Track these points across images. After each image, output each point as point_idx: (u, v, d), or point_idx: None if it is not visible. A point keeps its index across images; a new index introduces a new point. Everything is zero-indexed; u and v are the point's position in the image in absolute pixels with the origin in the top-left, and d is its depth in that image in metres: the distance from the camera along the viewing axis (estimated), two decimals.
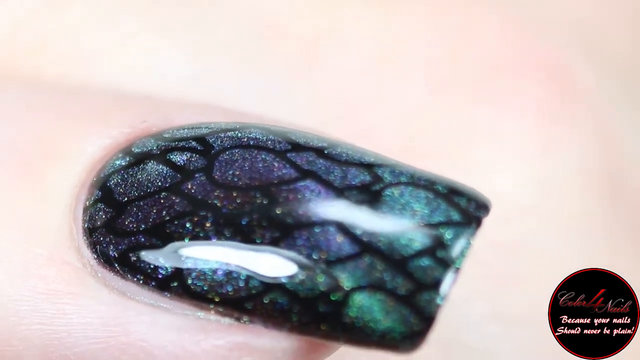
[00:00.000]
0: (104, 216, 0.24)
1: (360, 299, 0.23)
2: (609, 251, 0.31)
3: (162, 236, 0.23)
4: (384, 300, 0.23)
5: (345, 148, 0.24)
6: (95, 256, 0.24)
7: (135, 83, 0.28)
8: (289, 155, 0.24)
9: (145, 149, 0.25)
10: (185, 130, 0.25)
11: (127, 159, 0.24)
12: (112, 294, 0.24)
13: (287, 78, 0.29)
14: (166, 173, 0.24)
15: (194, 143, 0.24)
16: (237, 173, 0.24)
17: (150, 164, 0.24)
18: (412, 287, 0.23)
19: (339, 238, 0.23)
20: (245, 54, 0.29)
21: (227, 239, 0.23)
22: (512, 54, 0.31)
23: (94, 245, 0.24)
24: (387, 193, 0.23)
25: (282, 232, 0.23)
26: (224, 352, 0.23)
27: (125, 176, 0.24)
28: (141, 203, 0.24)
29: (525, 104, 0.31)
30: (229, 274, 0.23)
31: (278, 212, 0.23)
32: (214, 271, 0.23)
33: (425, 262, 0.23)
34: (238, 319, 0.23)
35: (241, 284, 0.23)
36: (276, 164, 0.24)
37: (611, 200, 0.31)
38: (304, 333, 0.23)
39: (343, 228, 0.23)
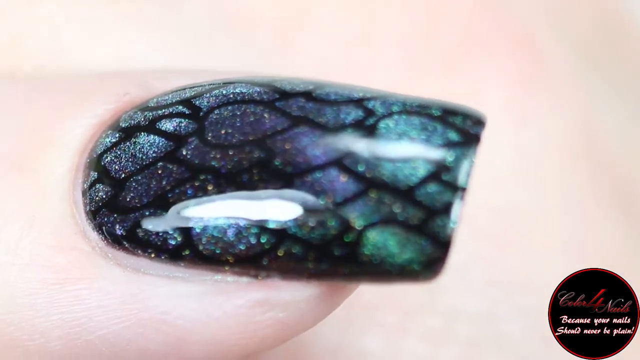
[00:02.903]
0: (104, 196, 0.24)
1: (374, 236, 0.23)
2: (598, 216, 0.31)
3: (165, 206, 0.23)
4: (398, 233, 0.23)
5: (332, 87, 0.24)
6: (103, 237, 0.24)
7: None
8: (277, 104, 0.24)
9: (133, 122, 0.24)
10: (169, 95, 0.25)
11: (117, 135, 0.24)
12: (126, 272, 0.23)
13: (262, 64, 0.29)
14: (158, 142, 0.24)
15: (180, 107, 0.24)
16: (230, 131, 0.24)
17: (140, 136, 0.24)
18: (424, 215, 0.23)
19: (342, 178, 0.23)
20: (217, 42, 0.29)
21: (230, 197, 0.23)
22: (482, 29, 0.32)
23: (99, 226, 0.24)
24: (382, 125, 0.23)
25: (285, 182, 0.23)
26: (246, 311, 0.23)
27: (119, 152, 0.24)
28: (139, 177, 0.24)
29: (499, 76, 0.31)
30: (238, 232, 0.23)
31: (277, 163, 0.23)
32: (224, 232, 0.23)
33: (432, 188, 0.23)
34: (255, 276, 0.23)
35: (253, 241, 0.23)
36: (266, 115, 0.24)
37: (595, 169, 0.32)
38: (323, 279, 0.23)
39: (344, 167, 0.23)
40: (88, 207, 0.24)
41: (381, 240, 0.23)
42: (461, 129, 0.23)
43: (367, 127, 0.23)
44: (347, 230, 0.23)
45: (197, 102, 0.24)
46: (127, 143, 0.24)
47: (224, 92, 0.24)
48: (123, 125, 0.24)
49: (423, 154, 0.23)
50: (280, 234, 0.23)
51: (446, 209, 0.23)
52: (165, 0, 0.29)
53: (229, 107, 0.24)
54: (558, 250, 0.31)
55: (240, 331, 0.23)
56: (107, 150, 0.24)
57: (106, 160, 0.24)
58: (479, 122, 0.23)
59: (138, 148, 0.24)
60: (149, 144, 0.24)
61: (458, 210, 0.23)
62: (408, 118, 0.23)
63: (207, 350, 0.23)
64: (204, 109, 0.24)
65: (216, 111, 0.24)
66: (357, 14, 0.31)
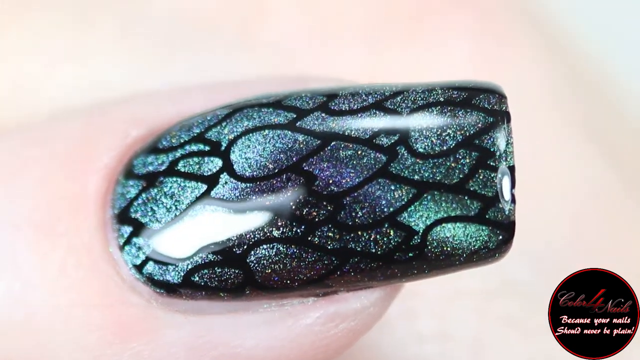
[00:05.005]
0: (145, 248, 0.23)
1: (438, 234, 0.23)
2: (592, 153, 0.32)
3: (219, 250, 0.23)
4: (460, 226, 0.23)
5: (344, 91, 0.24)
6: (155, 289, 0.23)
7: (83, 97, 0.27)
8: (298, 124, 0.23)
9: (150, 168, 0.24)
10: (177, 132, 0.24)
11: (137, 184, 0.24)
12: (187, 317, 0.23)
13: (229, 60, 0.29)
14: (186, 185, 0.23)
15: (196, 145, 0.23)
16: (260, 160, 0.23)
17: (166, 182, 0.23)
18: (481, 203, 0.23)
19: (392, 187, 0.23)
20: (182, 48, 0.29)
21: (282, 227, 0.23)
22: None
23: (149, 279, 0.23)
24: (413, 123, 0.23)
25: (334, 203, 0.23)
26: (319, 328, 0.23)
27: (146, 202, 0.23)
28: (180, 224, 0.23)
29: (459, 32, 0.32)
30: (299, 259, 0.23)
31: (321, 185, 0.23)
32: (283, 262, 0.23)
33: (481, 175, 0.23)
34: (321, 294, 0.23)
35: (315, 265, 0.23)
36: (292, 138, 0.23)
37: (585, 107, 0.33)
38: (392, 282, 0.23)
39: (390, 175, 0.23)
40: (131, 262, 0.23)
41: (445, 236, 0.23)
42: (489, 109, 0.23)
43: (399, 130, 0.23)
44: (410, 235, 0.23)
45: (211, 137, 0.23)
46: (153, 191, 0.23)
47: (235, 119, 0.23)
48: (139, 173, 0.24)
49: (462, 144, 0.23)
50: (342, 253, 0.23)
51: (501, 192, 0.23)
52: (122, 14, 0.29)
53: (249, 136, 0.23)
54: (558, 194, 0.31)
55: (315, 347, 0.23)
56: (133, 201, 0.23)
57: (136, 212, 0.23)
58: (502, 97, 0.23)
59: (168, 194, 0.23)
60: (178, 189, 0.23)
61: (512, 189, 0.23)
62: (434, 109, 0.23)
63: None
64: (224, 143, 0.23)
65: (238, 142, 0.23)
66: (314, 1, 0.31)
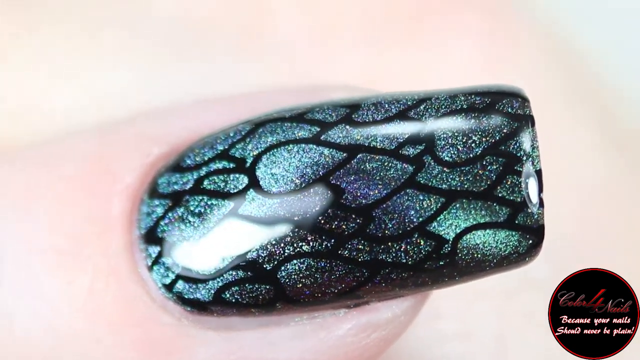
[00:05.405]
0: (175, 268, 0.23)
1: (468, 241, 0.23)
2: (602, 154, 0.32)
3: (249, 266, 0.23)
4: (490, 232, 0.23)
5: (366, 102, 0.24)
6: (185, 307, 0.23)
7: (91, 105, 0.27)
8: (322, 137, 0.23)
9: (175, 187, 0.23)
10: (200, 150, 0.24)
11: (164, 204, 0.23)
12: (219, 334, 0.23)
13: (229, 61, 0.29)
14: (213, 203, 0.23)
15: (220, 162, 0.23)
16: (287, 176, 0.23)
17: (192, 200, 0.23)
18: (509, 209, 0.23)
19: (420, 197, 0.23)
20: (184, 49, 0.29)
21: (311, 241, 0.23)
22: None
23: (179, 298, 0.23)
24: (439, 134, 0.23)
25: (363, 216, 0.22)
26: (351, 339, 0.23)
27: (173, 221, 0.23)
28: (208, 241, 0.23)
29: (460, 30, 0.32)
30: (329, 272, 0.23)
31: (349, 198, 0.23)
32: (313, 276, 0.23)
33: (508, 181, 0.23)
34: (352, 306, 0.23)
35: (348, 278, 0.23)
36: (318, 151, 0.23)
37: (574, 93, 0.33)
38: (423, 290, 0.23)
39: (419, 186, 0.23)
40: (160, 281, 0.23)
41: (475, 244, 0.23)
42: (513, 114, 0.23)
43: (426, 140, 0.23)
44: (440, 244, 0.23)
45: (235, 153, 0.23)
46: (180, 210, 0.23)
47: (259, 134, 0.23)
48: (164, 192, 0.23)
49: (488, 150, 0.23)
50: (373, 265, 0.22)
51: (528, 197, 0.23)
52: (125, 19, 0.29)
53: (274, 152, 0.23)
54: (558, 193, 0.31)
55: (347, 358, 0.23)
56: (159, 220, 0.23)
57: (163, 231, 0.23)
58: (525, 100, 0.23)
59: (195, 213, 0.23)
60: (204, 207, 0.23)
61: (539, 192, 0.23)
62: (459, 117, 0.23)
63: None
64: (248, 159, 0.23)
65: (263, 158, 0.23)
66: (314, 1, 0.31)
